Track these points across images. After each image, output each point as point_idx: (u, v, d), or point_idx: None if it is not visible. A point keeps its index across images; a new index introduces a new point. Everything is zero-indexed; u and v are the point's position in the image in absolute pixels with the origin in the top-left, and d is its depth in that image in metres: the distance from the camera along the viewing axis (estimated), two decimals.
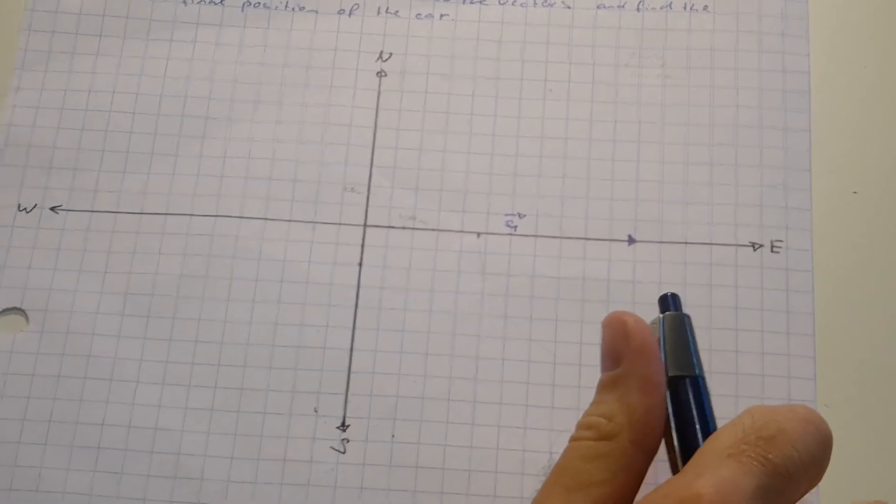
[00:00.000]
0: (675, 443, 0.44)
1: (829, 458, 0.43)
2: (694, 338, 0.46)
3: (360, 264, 0.53)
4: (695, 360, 0.46)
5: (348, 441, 0.50)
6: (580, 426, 0.44)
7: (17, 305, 0.52)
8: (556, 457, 0.45)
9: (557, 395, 0.50)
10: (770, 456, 0.41)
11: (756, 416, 0.42)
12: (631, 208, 0.54)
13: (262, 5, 0.59)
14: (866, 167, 0.55)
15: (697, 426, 0.44)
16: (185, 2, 0.59)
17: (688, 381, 0.45)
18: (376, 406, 0.50)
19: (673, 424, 0.45)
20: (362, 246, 0.54)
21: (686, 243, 0.53)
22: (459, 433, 0.50)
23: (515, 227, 0.54)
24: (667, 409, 0.45)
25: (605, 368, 0.45)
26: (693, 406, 0.45)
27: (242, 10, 0.58)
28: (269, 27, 0.58)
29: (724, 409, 0.50)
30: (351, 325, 0.52)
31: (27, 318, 0.52)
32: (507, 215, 0.54)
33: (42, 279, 0.53)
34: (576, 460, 0.43)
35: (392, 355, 0.51)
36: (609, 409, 0.44)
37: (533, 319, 0.52)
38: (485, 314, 0.52)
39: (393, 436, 0.50)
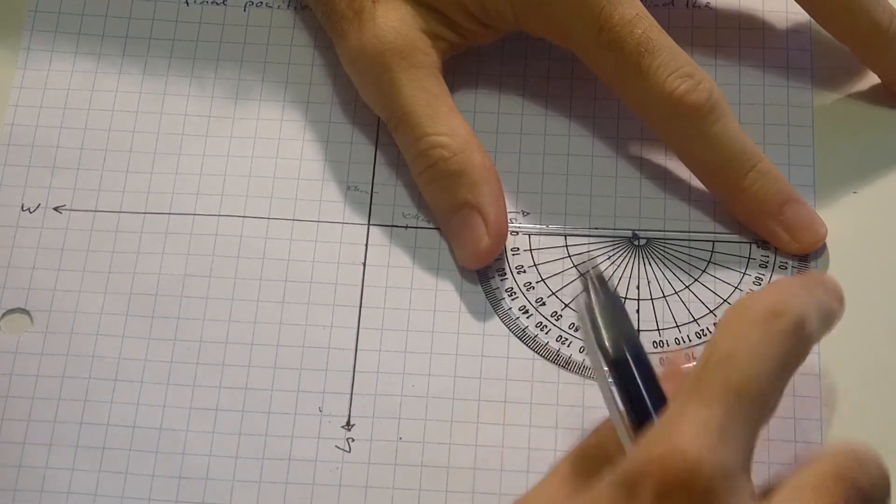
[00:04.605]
0: (627, 421, 0.43)
1: (807, 347, 0.43)
2: (627, 312, 0.45)
3: (364, 263, 0.53)
4: (633, 333, 0.44)
5: (353, 440, 0.50)
6: None
7: (21, 306, 0.52)
8: (561, 454, 0.45)
9: (562, 393, 0.50)
10: (733, 381, 0.40)
11: (714, 335, 0.42)
12: (635, 205, 0.54)
13: (264, 5, 0.59)
14: (866, 167, 0.55)
15: (648, 402, 0.43)
16: (186, 2, 0.59)
17: (629, 356, 0.43)
18: (381, 405, 0.50)
19: (620, 403, 0.43)
20: (366, 245, 0.53)
21: (690, 239, 0.53)
22: (464, 431, 0.50)
23: (519, 224, 0.54)
24: (610, 392, 0.43)
25: None
26: (640, 381, 0.43)
27: (245, 10, 0.58)
28: (271, 26, 0.58)
29: None
30: (355, 325, 0.52)
31: (31, 319, 0.52)
32: (509, 213, 0.54)
33: (46, 279, 0.53)
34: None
35: (396, 354, 0.51)
36: None
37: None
38: (489, 312, 0.52)
39: (399, 435, 0.50)
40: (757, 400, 0.40)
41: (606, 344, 0.43)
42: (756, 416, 0.40)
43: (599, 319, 0.44)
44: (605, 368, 0.43)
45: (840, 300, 0.46)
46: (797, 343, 0.42)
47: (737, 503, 0.39)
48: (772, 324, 0.41)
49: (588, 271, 0.45)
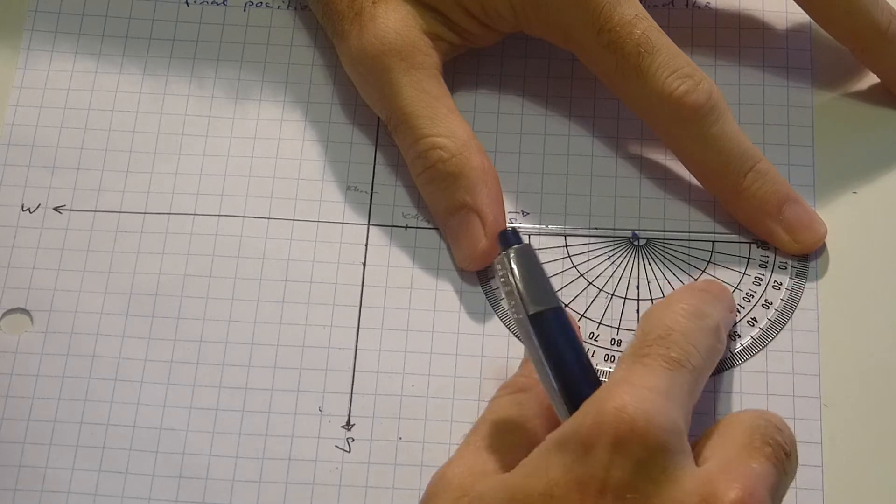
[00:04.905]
0: (552, 378, 0.44)
1: (722, 347, 0.47)
2: (543, 268, 0.46)
3: (364, 263, 0.53)
4: (551, 290, 0.45)
5: (353, 440, 0.50)
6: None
7: (22, 306, 0.52)
8: None
9: None
10: (673, 354, 0.43)
11: (644, 322, 0.45)
12: (635, 205, 0.54)
13: (264, 5, 0.59)
14: (866, 167, 0.55)
15: (572, 356, 0.44)
16: (187, 2, 0.59)
17: (550, 313, 0.45)
18: (381, 405, 0.50)
19: (545, 360, 0.44)
20: (366, 245, 0.54)
21: (690, 239, 0.53)
22: (464, 431, 0.50)
23: (519, 224, 0.54)
24: (536, 349, 0.44)
25: None
26: (562, 337, 0.44)
27: (245, 10, 0.58)
28: (271, 26, 0.58)
29: (727, 406, 0.50)
30: (355, 325, 0.52)
31: (31, 319, 0.52)
32: (509, 213, 0.54)
33: (46, 279, 0.53)
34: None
35: (396, 354, 0.51)
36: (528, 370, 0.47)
37: None
38: (489, 312, 0.52)
39: (399, 435, 0.50)
40: (691, 374, 0.43)
41: (526, 301, 0.45)
42: (689, 388, 0.43)
43: (520, 276, 0.45)
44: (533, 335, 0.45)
45: (734, 311, 0.50)
46: (716, 343, 0.46)
47: (684, 460, 0.41)
48: (697, 320, 0.45)
49: (504, 230, 0.46)
